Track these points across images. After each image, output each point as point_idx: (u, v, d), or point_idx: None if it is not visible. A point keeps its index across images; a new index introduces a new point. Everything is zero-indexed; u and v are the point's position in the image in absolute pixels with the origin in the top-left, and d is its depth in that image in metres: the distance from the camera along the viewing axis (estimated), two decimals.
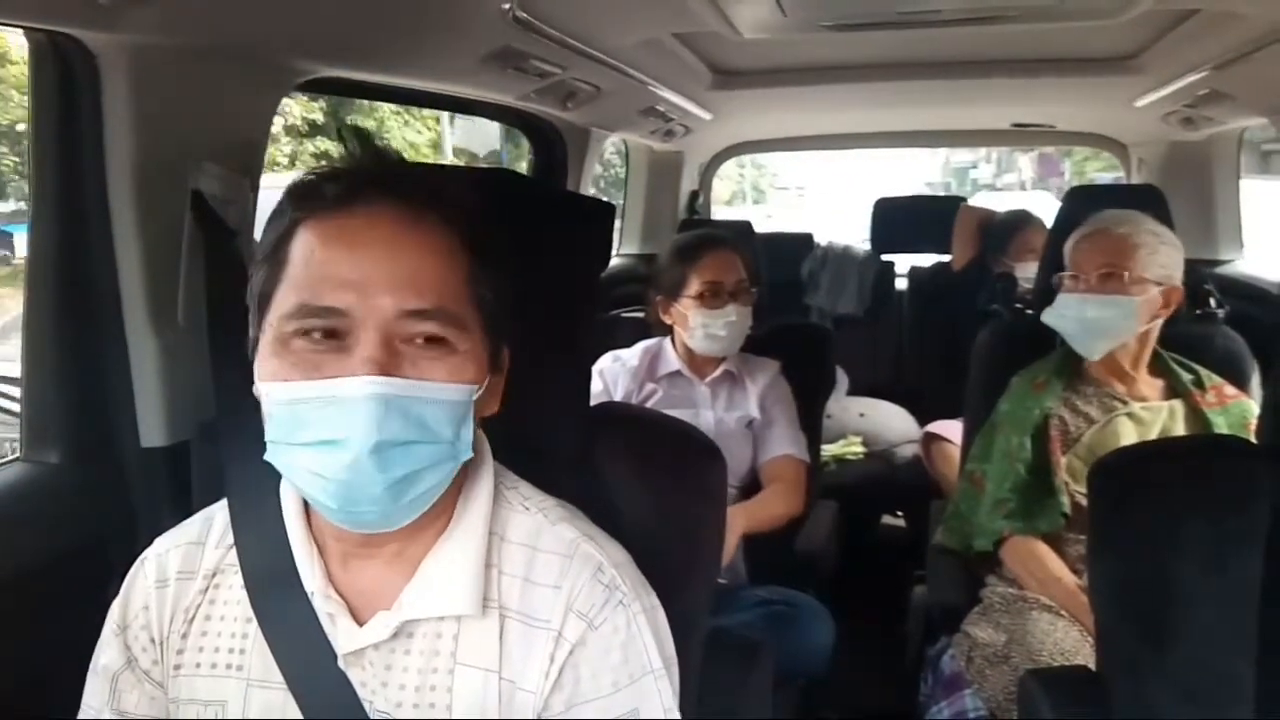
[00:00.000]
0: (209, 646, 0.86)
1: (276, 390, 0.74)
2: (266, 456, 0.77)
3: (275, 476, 0.82)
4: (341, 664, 0.82)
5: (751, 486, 2.05)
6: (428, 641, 0.82)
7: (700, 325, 2.05)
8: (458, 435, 0.77)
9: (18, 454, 1.32)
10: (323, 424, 0.72)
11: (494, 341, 0.82)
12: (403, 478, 0.74)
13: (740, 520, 1.86)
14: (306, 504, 0.84)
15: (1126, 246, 1.72)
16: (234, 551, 0.88)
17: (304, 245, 0.76)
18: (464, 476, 0.85)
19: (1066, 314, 1.77)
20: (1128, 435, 1.73)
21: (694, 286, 2.05)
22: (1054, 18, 2.01)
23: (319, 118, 9.83)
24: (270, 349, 0.76)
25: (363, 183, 0.77)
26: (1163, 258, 1.73)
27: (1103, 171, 10.87)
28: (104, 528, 1.29)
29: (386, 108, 10.81)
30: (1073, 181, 13.42)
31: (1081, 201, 2.04)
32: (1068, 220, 1.96)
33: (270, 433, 0.76)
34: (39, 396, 1.31)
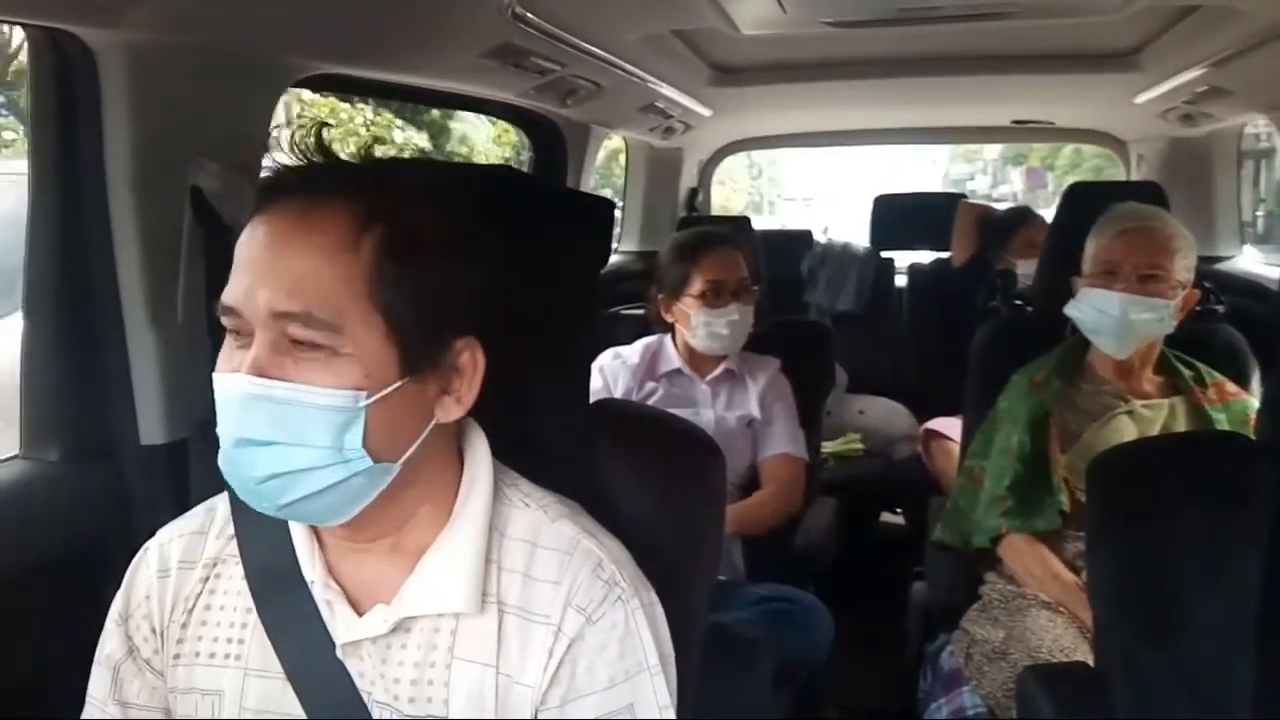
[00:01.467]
0: (208, 636, 0.87)
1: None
2: None
3: None
4: (339, 654, 0.82)
5: (751, 484, 2.05)
6: (425, 636, 0.82)
7: (703, 324, 2.05)
8: (339, 441, 0.74)
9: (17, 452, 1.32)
10: (220, 418, 0.76)
11: (411, 344, 0.77)
12: (272, 477, 0.75)
13: (730, 526, 1.86)
14: None
15: (1170, 249, 1.70)
16: (235, 542, 0.89)
17: (238, 246, 0.78)
18: (461, 472, 0.86)
19: (1107, 311, 1.71)
20: (1128, 433, 1.72)
21: (696, 285, 2.05)
22: (1054, 14, 2.01)
23: (427, 146, 10.29)
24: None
25: (277, 182, 0.78)
26: (1190, 259, 1.72)
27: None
28: (103, 525, 1.29)
29: (478, 137, 11.01)
30: (1055, 193, 14.25)
31: (1083, 198, 2.04)
32: (1069, 216, 1.96)
33: None
34: (39, 394, 1.31)
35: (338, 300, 0.74)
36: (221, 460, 0.77)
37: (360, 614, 0.82)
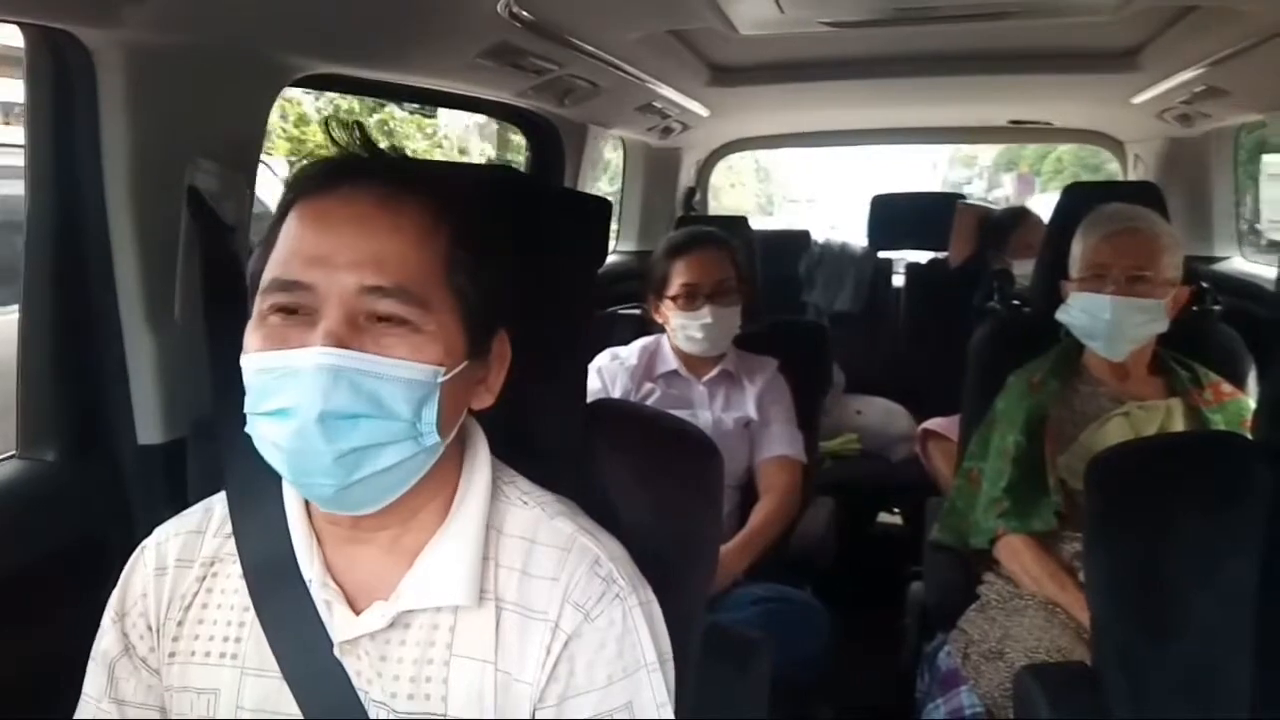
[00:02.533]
0: (204, 635, 0.87)
1: (248, 361, 0.77)
2: (247, 428, 0.78)
3: None
4: (337, 652, 0.82)
5: (749, 485, 2.05)
6: (424, 632, 0.82)
7: (679, 327, 2.05)
8: (418, 416, 0.77)
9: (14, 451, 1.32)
10: (280, 394, 0.74)
11: (475, 329, 0.82)
12: (352, 451, 0.75)
13: (745, 558, 1.88)
14: None
15: (1156, 248, 1.70)
16: (232, 541, 0.89)
17: (288, 226, 0.79)
18: (460, 469, 0.86)
19: (1099, 315, 1.71)
20: (1124, 434, 1.72)
21: (673, 287, 2.05)
22: (1051, 13, 2.01)
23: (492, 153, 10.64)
24: (252, 325, 0.78)
25: (345, 168, 0.80)
26: (1177, 258, 1.73)
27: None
28: (101, 525, 1.29)
29: (520, 142, 11.39)
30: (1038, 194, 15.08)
31: (1080, 198, 2.04)
32: (1066, 217, 1.96)
33: (245, 404, 0.77)
34: (36, 393, 1.30)
35: (423, 279, 0.77)
36: (285, 438, 0.74)
37: (357, 613, 0.82)
